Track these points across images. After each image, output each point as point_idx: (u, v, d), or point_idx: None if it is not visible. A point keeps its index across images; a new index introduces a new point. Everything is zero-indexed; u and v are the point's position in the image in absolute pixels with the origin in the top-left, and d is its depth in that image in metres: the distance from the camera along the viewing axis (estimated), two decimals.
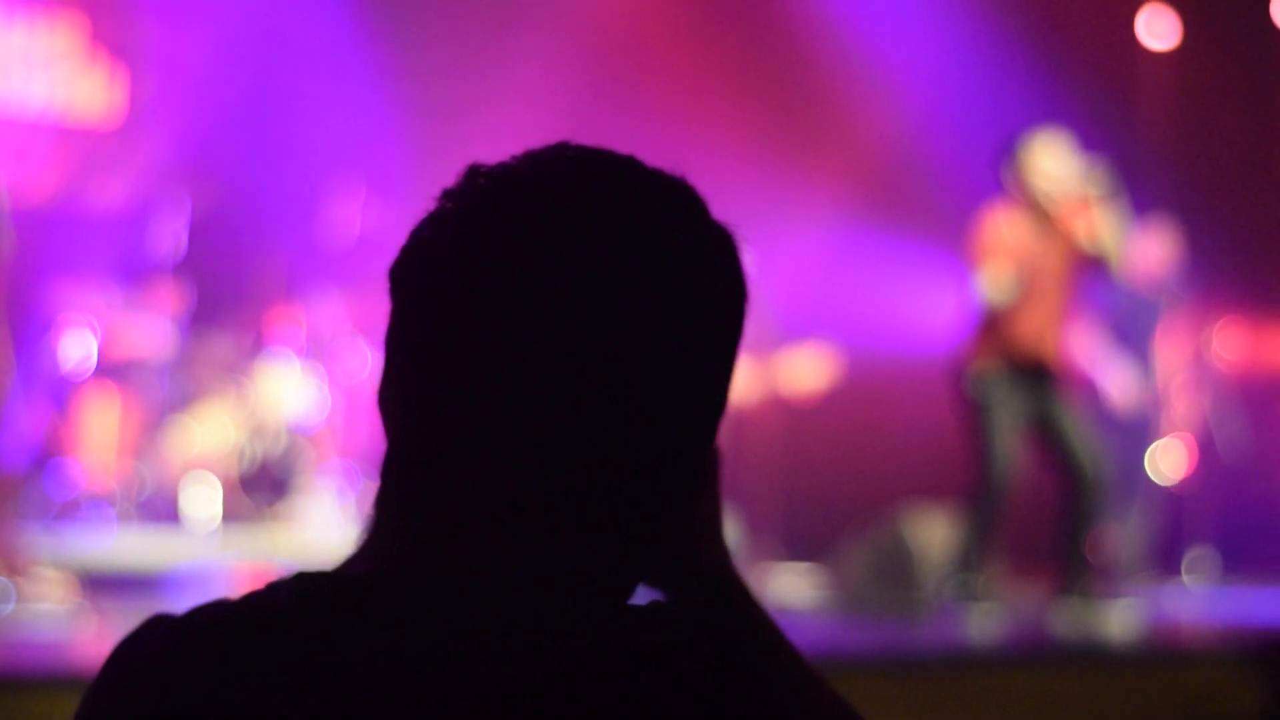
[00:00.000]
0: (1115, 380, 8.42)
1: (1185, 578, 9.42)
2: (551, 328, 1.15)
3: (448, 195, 1.21)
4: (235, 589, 1.20)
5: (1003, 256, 6.80)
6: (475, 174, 1.22)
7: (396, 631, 1.10)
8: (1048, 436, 6.95)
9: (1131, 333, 8.53)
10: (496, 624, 1.11)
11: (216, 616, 1.14)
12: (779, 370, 8.72)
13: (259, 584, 1.18)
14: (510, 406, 1.15)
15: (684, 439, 1.20)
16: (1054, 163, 6.82)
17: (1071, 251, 6.90)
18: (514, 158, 1.22)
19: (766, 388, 8.80)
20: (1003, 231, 6.84)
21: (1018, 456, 6.95)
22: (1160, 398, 8.82)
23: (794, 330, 8.92)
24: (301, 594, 1.14)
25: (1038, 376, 6.87)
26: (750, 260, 1.24)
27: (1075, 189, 6.77)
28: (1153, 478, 8.81)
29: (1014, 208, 6.88)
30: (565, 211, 1.17)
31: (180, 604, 1.18)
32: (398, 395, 1.21)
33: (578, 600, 1.15)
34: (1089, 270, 7.13)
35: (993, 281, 6.80)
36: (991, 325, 6.88)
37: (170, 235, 8.97)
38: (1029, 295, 6.82)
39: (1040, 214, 6.83)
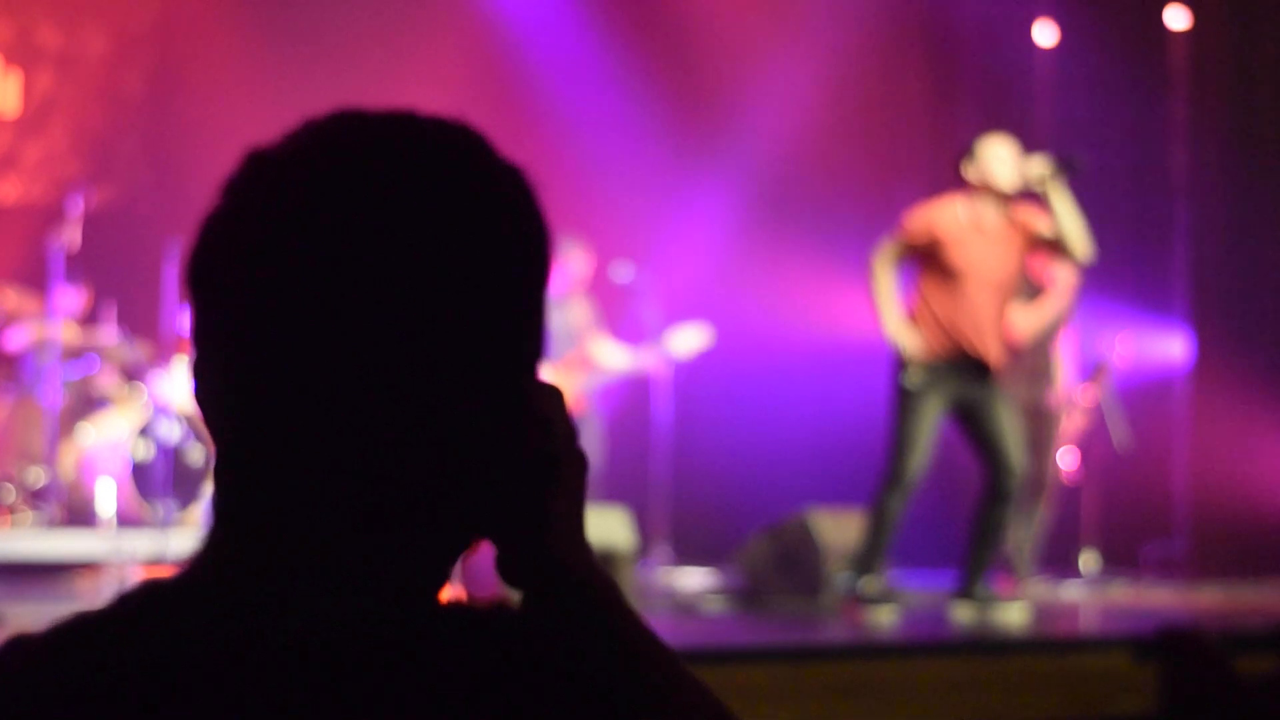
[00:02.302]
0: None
1: (1080, 574, 9.55)
2: (345, 308, 1.11)
3: (229, 187, 1.17)
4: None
5: (907, 325, 6.87)
6: (252, 160, 1.18)
7: (224, 645, 1.11)
8: (978, 430, 6.96)
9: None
10: (322, 635, 1.11)
11: (71, 635, 1.13)
12: (666, 343, 8.89)
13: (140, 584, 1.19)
14: (313, 398, 1.12)
15: (504, 393, 1.16)
16: (1010, 156, 6.82)
17: (1026, 246, 6.91)
18: (291, 133, 1.18)
19: (655, 361, 8.95)
20: (958, 213, 6.81)
21: (932, 450, 6.95)
22: (1060, 399, 8.94)
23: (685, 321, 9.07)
24: (144, 607, 1.14)
25: (976, 369, 6.86)
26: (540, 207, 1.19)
27: (1033, 174, 6.74)
28: (1052, 476, 8.92)
29: (973, 196, 6.84)
30: (343, 184, 1.13)
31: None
32: (209, 398, 1.17)
33: (411, 604, 1.15)
34: (1052, 257, 7.30)
35: (904, 341, 6.85)
36: (931, 315, 6.88)
37: (69, 232, 8.88)
38: (974, 287, 6.83)
39: (1000, 204, 6.80)
